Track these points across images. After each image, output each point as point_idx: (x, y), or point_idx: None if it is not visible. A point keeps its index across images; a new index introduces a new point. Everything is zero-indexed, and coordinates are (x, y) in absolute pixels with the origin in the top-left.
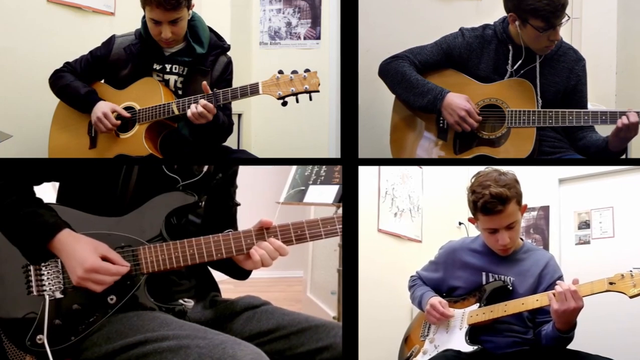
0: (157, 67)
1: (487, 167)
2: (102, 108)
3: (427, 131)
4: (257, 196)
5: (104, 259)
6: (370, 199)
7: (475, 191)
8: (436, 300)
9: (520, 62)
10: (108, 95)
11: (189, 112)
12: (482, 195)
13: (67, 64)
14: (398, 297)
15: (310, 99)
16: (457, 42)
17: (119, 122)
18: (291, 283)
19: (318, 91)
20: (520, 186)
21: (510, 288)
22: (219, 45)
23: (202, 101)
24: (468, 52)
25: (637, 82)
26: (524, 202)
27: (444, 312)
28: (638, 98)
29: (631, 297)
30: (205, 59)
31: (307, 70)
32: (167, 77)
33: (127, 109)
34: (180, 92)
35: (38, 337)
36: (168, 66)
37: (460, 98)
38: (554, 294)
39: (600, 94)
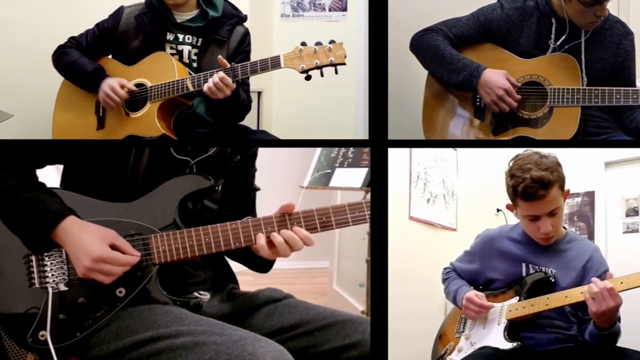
0: (170, 37)
1: (526, 150)
2: (109, 83)
3: (462, 110)
4: (278, 180)
5: (113, 247)
6: (400, 184)
7: (514, 175)
8: (472, 293)
9: (563, 37)
10: (117, 71)
11: (205, 87)
12: (523, 180)
13: (72, 38)
14: (431, 289)
15: (336, 72)
16: (496, 14)
17: (127, 95)
18: (316, 274)
19: (344, 64)
20: (562, 169)
21: (553, 280)
22: (235, 15)
23: (221, 73)
24: (507, 25)
25: None
26: (566, 186)
27: (482, 304)
28: None
29: None
30: (220, 28)
31: (332, 42)
32: (180, 47)
33: (137, 86)
34: (194, 64)
35: (40, 333)
36: (181, 36)
37: (499, 75)
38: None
39: None
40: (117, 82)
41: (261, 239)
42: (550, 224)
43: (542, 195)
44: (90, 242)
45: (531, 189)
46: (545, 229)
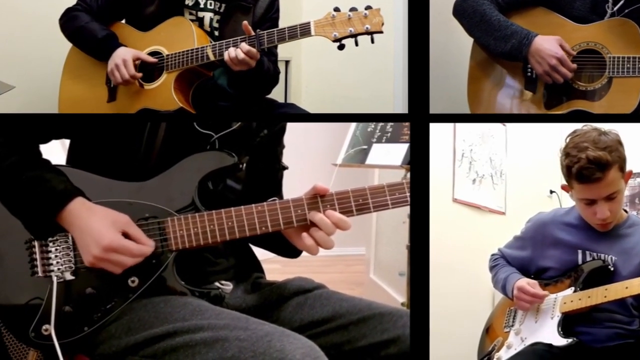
0: (189, 2)
1: (585, 125)
2: (121, 54)
3: (511, 82)
4: (309, 158)
5: (124, 234)
6: (443, 163)
7: (569, 154)
8: (524, 282)
9: (622, 1)
10: (130, 38)
11: (226, 57)
12: (578, 160)
13: (81, 0)
14: (477, 279)
15: (372, 41)
16: None
17: (140, 74)
18: (351, 262)
19: (381, 32)
20: (623, 149)
21: (612, 269)
22: None
23: (244, 45)
24: None
25: None
26: (628, 167)
27: (535, 293)
28: None
29: None
30: None
31: (368, 8)
32: (201, 14)
33: (152, 54)
34: (216, 32)
35: (44, 327)
36: (202, 1)
37: (551, 42)
38: None
39: None
40: (132, 54)
41: (308, 240)
42: (608, 208)
43: (599, 178)
44: (100, 229)
45: (587, 170)
46: (602, 214)
